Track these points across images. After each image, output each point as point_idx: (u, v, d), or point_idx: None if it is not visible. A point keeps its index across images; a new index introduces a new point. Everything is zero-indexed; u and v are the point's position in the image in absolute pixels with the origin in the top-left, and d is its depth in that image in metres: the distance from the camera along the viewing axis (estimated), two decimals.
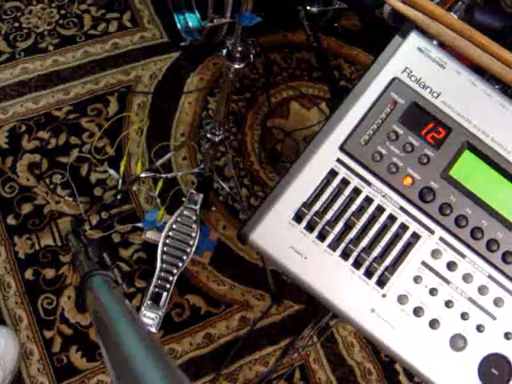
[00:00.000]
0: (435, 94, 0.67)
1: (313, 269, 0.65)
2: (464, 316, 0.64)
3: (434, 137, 0.66)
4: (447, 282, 0.65)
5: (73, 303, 1.44)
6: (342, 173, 0.66)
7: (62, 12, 1.81)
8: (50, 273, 1.46)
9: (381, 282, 0.64)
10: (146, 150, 1.65)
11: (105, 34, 1.80)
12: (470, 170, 0.66)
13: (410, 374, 1.47)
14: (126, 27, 1.83)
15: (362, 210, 0.66)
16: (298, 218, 0.65)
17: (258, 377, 1.43)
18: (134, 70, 1.76)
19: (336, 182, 0.66)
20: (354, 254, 0.65)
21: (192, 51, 1.80)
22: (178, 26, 1.81)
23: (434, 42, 0.71)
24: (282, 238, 0.65)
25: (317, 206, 0.66)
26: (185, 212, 1.46)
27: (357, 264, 0.65)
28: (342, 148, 0.66)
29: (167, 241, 1.44)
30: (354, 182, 0.66)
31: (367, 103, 0.67)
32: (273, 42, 1.88)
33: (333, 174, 0.66)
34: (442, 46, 0.72)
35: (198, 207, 1.46)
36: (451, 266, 0.65)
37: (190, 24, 1.80)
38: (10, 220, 1.50)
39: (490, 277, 0.65)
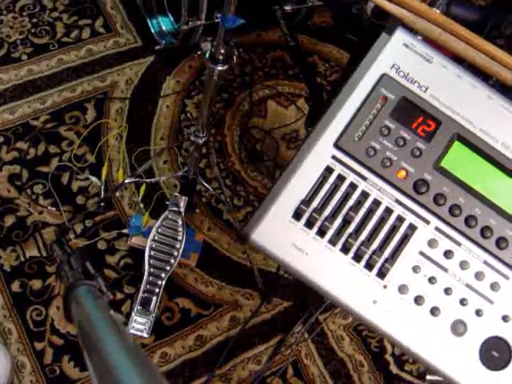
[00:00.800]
0: (423, 88, 0.69)
1: (314, 264, 0.66)
2: (463, 302, 0.66)
3: (425, 130, 0.68)
4: (445, 270, 0.67)
5: (62, 313, 1.42)
6: (338, 169, 0.67)
7: (34, 20, 1.79)
8: (37, 284, 1.45)
9: (381, 274, 0.66)
10: (127, 155, 1.64)
11: (78, 40, 1.79)
12: (460, 161, 0.68)
13: (401, 363, 1.50)
14: (99, 33, 1.82)
15: (359, 204, 0.67)
16: (298, 215, 0.67)
17: (252, 375, 1.44)
18: (110, 75, 1.75)
19: (332, 178, 0.67)
20: (354, 248, 0.66)
21: (167, 54, 1.80)
22: (152, 30, 1.81)
23: (419, 38, 0.73)
24: (282, 236, 0.66)
25: (315, 203, 0.67)
26: (169, 216, 1.46)
27: (357, 257, 0.66)
28: (336, 145, 0.68)
29: (153, 245, 1.44)
30: (350, 177, 0.67)
31: (358, 100, 0.69)
32: (247, 42, 1.88)
33: (329, 170, 0.67)
34: (427, 41, 0.74)
35: (182, 210, 1.46)
36: (448, 254, 0.67)
37: (164, 28, 1.81)
38: None
39: (485, 262, 0.67)
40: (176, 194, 1.47)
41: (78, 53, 1.76)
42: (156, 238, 1.43)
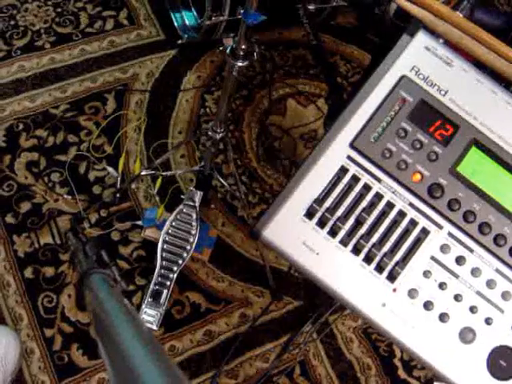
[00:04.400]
0: (443, 92, 0.69)
1: (325, 264, 0.66)
2: (473, 309, 0.65)
3: (442, 134, 0.68)
4: (456, 276, 0.66)
5: (73, 301, 1.44)
6: (353, 169, 0.67)
7: (58, 10, 1.81)
8: (49, 271, 1.46)
9: (391, 277, 0.66)
10: (144, 147, 1.65)
11: (101, 31, 1.80)
12: (477, 167, 0.68)
13: (409, 368, 1.49)
14: (122, 25, 1.83)
15: (372, 206, 0.67)
16: (310, 214, 0.66)
17: (259, 373, 1.44)
18: (132, 67, 1.76)
19: (347, 178, 0.67)
20: (365, 250, 0.66)
21: (189, 49, 1.80)
22: (175, 23, 1.82)
23: (441, 41, 0.72)
24: (294, 235, 0.66)
25: (328, 203, 0.67)
26: (184, 209, 1.47)
27: (368, 259, 0.66)
28: (352, 145, 0.67)
29: (167, 238, 1.44)
30: (365, 178, 0.67)
31: (376, 101, 0.68)
32: (269, 40, 1.88)
33: (343, 170, 0.67)
34: (449, 45, 0.73)
35: (197, 205, 1.47)
36: (460, 260, 0.66)
37: (187, 22, 1.81)
38: (9, 219, 1.50)
39: (497, 271, 0.66)
40: (191, 188, 1.47)
41: (100, 44, 1.77)
42: (169, 231, 1.44)
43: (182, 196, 1.48)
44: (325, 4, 1.54)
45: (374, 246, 0.66)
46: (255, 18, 0.91)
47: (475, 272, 0.66)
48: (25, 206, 1.52)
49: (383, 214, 0.67)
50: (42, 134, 1.62)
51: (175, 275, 1.44)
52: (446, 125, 0.68)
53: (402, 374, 1.49)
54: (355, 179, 0.67)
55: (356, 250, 0.66)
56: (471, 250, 0.66)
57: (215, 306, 1.50)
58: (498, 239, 0.66)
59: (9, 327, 1.38)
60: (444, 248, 0.66)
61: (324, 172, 0.67)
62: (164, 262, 1.43)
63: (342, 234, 0.66)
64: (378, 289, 0.66)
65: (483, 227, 0.66)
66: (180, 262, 1.44)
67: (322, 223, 0.66)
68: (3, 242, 1.47)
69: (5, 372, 1.30)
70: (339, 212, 0.66)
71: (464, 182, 0.67)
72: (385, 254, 0.66)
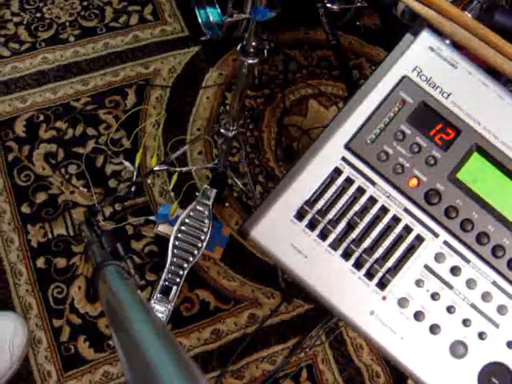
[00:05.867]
0: (445, 95, 0.66)
1: (313, 268, 0.64)
2: (466, 322, 0.62)
3: (443, 138, 0.65)
4: (450, 286, 0.63)
5: (83, 293, 1.44)
6: (347, 171, 0.65)
7: (84, 3, 1.82)
8: (61, 262, 1.47)
9: (381, 284, 0.63)
10: (162, 143, 1.65)
11: (126, 26, 1.81)
12: (478, 174, 0.65)
13: None
14: (147, 20, 1.83)
15: (365, 210, 0.64)
16: (300, 215, 0.64)
17: (265, 375, 1.42)
18: (154, 63, 1.76)
19: (340, 180, 0.65)
20: (356, 255, 0.64)
21: (212, 46, 1.80)
22: (199, 20, 1.81)
23: (447, 42, 0.69)
24: (282, 236, 0.64)
25: (319, 205, 0.65)
26: (197, 207, 1.46)
27: (358, 265, 0.64)
28: (347, 146, 0.65)
29: (179, 235, 1.44)
30: (359, 181, 0.65)
31: (375, 101, 0.66)
32: (293, 39, 1.86)
33: (337, 172, 0.65)
34: (456, 45, 0.70)
35: (210, 202, 1.46)
36: (455, 270, 0.63)
37: (211, 18, 1.81)
38: (25, 208, 1.52)
39: (494, 283, 0.63)
40: (206, 185, 1.46)
41: (124, 38, 1.78)
42: (182, 228, 1.43)
43: (197, 193, 1.48)
44: (348, 4, 1.51)
45: (365, 251, 0.63)
46: (264, 15, 0.90)
47: (470, 283, 0.63)
48: (41, 197, 1.54)
49: (376, 219, 0.64)
50: (62, 126, 1.63)
51: (185, 272, 1.43)
52: (446, 129, 0.65)
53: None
54: (349, 182, 0.65)
55: (346, 255, 0.64)
56: (467, 261, 0.63)
57: (224, 305, 1.49)
58: (497, 250, 0.63)
59: (18, 314, 1.39)
60: (439, 257, 0.64)
61: (317, 173, 0.65)
62: (175, 259, 1.43)
63: (332, 237, 0.64)
64: (367, 296, 0.63)
65: (481, 237, 0.63)
66: (191, 259, 1.43)
67: (312, 225, 0.64)
68: (17, 232, 1.49)
69: (12, 356, 1.32)
70: (331, 215, 0.64)
71: (463, 188, 0.64)
72: (376, 260, 0.63)
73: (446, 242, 0.64)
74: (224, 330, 1.46)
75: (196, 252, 1.44)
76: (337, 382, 1.44)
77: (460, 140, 0.65)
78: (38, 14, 1.78)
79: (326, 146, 0.65)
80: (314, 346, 1.43)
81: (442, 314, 0.63)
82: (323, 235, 0.64)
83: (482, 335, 0.62)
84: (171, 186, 1.59)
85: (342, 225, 0.64)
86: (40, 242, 1.49)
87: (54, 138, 1.61)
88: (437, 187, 0.64)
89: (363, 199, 0.64)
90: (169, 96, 1.72)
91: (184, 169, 1.55)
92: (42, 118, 1.63)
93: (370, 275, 0.63)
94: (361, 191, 0.65)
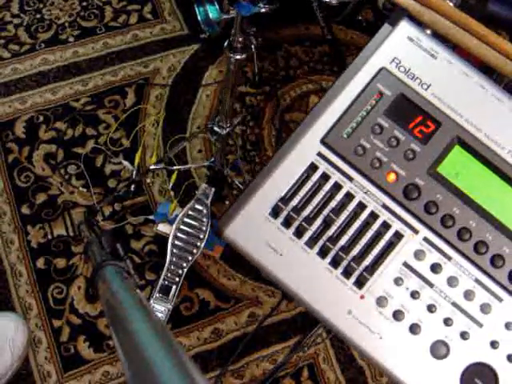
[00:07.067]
0: (425, 86, 0.64)
1: (288, 266, 0.62)
2: (447, 322, 0.60)
3: (422, 131, 0.63)
4: (430, 284, 0.61)
5: (82, 293, 1.44)
6: (323, 167, 0.63)
7: (84, 4, 1.82)
8: (61, 262, 1.47)
9: (359, 283, 0.61)
10: (162, 142, 1.64)
11: (125, 25, 1.80)
12: (459, 167, 0.63)
13: None
14: (146, 19, 1.82)
15: (342, 206, 0.62)
16: (275, 213, 0.63)
17: (265, 374, 1.41)
18: (153, 62, 1.75)
19: (316, 176, 0.63)
20: (332, 253, 0.62)
21: (212, 43, 1.78)
22: (199, 17, 1.80)
23: (428, 32, 0.67)
24: (257, 234, 0.63)
25: (295, 202, 0.63)
26: (196, 205, 1.45)
27: (335, 263, 0.62)
28: (323, 141, 0.63)
29: (178, 234, 1.43)
30: (335, 176, 0.63)
31: (352, 95, 0.64)
32: (294, 35, 1.84)
33: (313, 168, 0.63)
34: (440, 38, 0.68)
35: (209, 201, 1.44)
36: (435, 268, 0.61)
37: (210, 15, 1.79)
38: (25, 209, 1.52)
39: (477, 281, 0.61)
40: (204, 184, 1.45)
41: (123, 37, 1.78)
42: (181, 227, 1.42)
43: (196, 191, 1.46)
44: None
45: (342, 248, 0.62)
46: (249, 10, 0.88)
47: (452, 281, 0.61)
48: (40, 198, 1.54)
49: (354, 216, 0.62)
50: (61, 126, 1.63)
51: (185, 271, 1.42)
52: (426, 121, 0.63)
53: None
54: (325, 177, 0.63)
55: (322, 253, 0.62)
56: (448, 258, 0.61)
57: (224, 304, 1.48)
58: (479, 246, 0.61)
59: (18, 314, 1.39)
60: (418, 254, 0.61)
61: (292, 169, 0.63)
62: (174, 258, 1.42)
63: (308, 235, 0.62)
64: (344, 295, 0.61)
65: (463, 233, 0.61)
66: (190, 258, 1.42)
67: (287, 223, 0.62)
68: (17, 232, 1.49)
69: (12, 355, 1.32)
70: (306, 212, 0.62)
71: (444, 183, 0.62)
72: (353, 258, 0.61)
73: (425, 239, 0.62)
74: (224, 330, 1.45)
75: (195, 251, 1.42)
76: (339, 380, 1.42)
77: (440, 133, 0.63)
78: (38, 15, 1.78)
79: (301, 141, 0.64)
80: (313, 345, 1.41)
81: (422, 313, 0.61)
82: (299, 233, 0.62)
83: (464, 335, 0.60)
84: (171, 185, 1.58)
85: (319, 222, 0.62)
86: (40, 242, 1.49)
87: (53, 139, 1.61)
88: (416, 182, 0.62)
89: (340, 195, 0.63)
90: (168, 94, 1.71)
91: (182, 167, 1.54)
92: (41, 118, 1.63)
93: (347, 273, 0.61)
94: (337, 187, 0.63)
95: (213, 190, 1.44)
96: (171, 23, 1.83)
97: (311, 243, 0.62)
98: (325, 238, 0.62)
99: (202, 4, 1.80)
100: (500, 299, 0.60)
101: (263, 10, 1.36)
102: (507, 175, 0.62)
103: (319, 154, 0.63)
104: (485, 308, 0.60)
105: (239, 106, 1.70)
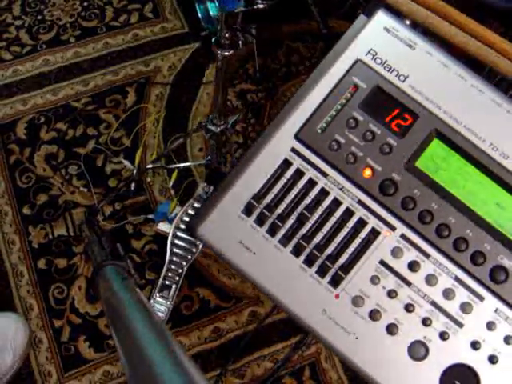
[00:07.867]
0: (402, 78, 0.62)
1: (262, 265, 0.60)
2: (426, 322, 0.58)
3: (399, 124, 0.61)
4: (408, 283, 0.59)
5: (83, 293, 1.44)
6: (297, 163, 0.61)
7: (85, 4, 1.82)
8: (62, 262, 1.47)
9: (334, 282, 0.59)
10: (162, 141, 1.63)
11: (126, 25, 1.79)
12: (438, 161, 0.60)
13: None
14: (147, 18, 1.82)
15: (316, 203, 0.61)
16: (248, 211, 0.61)
17: (266, 374, 1.39)
18: (154, 60, 1.75)
19: (290, 172, 0.61)
20: (307, 251, 0.60)
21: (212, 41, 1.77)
22: (199, 15, 1.79)
23: (407, 22, 0.65)
24: (230, 232, 0.61)
25: (268, 199, 0.61)
26: (195, 204, 1.44)
27: (309, 261, 0.60)
28: (296, 136, 0.62)
29: (177, 233, 1.42)
30: (309, 173, 0.61)
31: (326, 88, 0.62)
32: (296, 32, 1.82)
33: (286, 164, 0.61)
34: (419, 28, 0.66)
35: None
36: (413, 266, 0.59)
37: (210, 12, 1.78)
38: (26, 210, 1.52)
39: (456, 279, 0.59)
40: (202, 182, 1.44)
41: (124, 37, 1.77)
42: (180, 225, 1.42)
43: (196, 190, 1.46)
44: None
45: (316, 247, 0.60)
46: (232, 5, 0.87)
47: (430, 280, 0.59)
48: (42, 198, 1.54)
49: (328, 213, 0.60)
50: (62, 127, 1.63)
51: (184, 270, 1.41)
52: (403, 114, 0.61)
53: None
54: (299, 174, 0.61)
55: (297, 251, 0.60)
56: (427, 255, 0.59)
57: (225, 303, 1.46)
58: (459, 243, 0.58)
59: (18, 314, 1.40)
60: (395, 251, 0.59)
61: (266, 165, 0.62)
62: (173, 257, 1.41)
63: (281, 233, 0.60)
64: (318, 294, 0.59)
65: (442, 229, 0.59)
66: (189, 257, 1.41)
67: (260, 221, 0.61)
68: (19, 233, 1.50)
69: (14, 355, 1.32)
70: (280, 209, 0.61)
71: (422, 178, 0.60)
72: (328, 257, 0.59)
73: (403, 236, 0.59)
74: (225, 329, 1.44)
75: (194, 250, 1.42)
76: (341, 379, 1.40)
77: (418, 126, 0.60)
78: (39, 17, 1.78)
79: (274, 136, 0.62)
80: (316, 342, 1.39)
81: (399, 313, 0.58)
82: (272, 231, 0.61)
83: (443, 335, 0.58)
84: (171, 184, 1.57)
85: (292, 219, 0.61)
86: (41, 242, 1.49)
87: (54, 139, 1.61)
88: (393, 177, 0.60)
89: (314, 192, 0.61)
90: (169, 93, 1.71)
91: (179, 165, 1.53)
92: (42, 119, 1.64)
93: (321, 272, 0.60)
94: (312, 183, 0.61)
95: (212, 188, 1.43)
96: (172, 22, 1.82)
97: (285, 241, 0.60)
98: (299, 235, 0.60)
99: (203, 1, 1.79)
100: (481, 298, 0.58)
101: (261, 6, 1.35)
102: (488, 169, 0.59)
103: (293, 150, 0.61)
104: (465, 307, 0.58)
105: (240, 104, 1.69)
